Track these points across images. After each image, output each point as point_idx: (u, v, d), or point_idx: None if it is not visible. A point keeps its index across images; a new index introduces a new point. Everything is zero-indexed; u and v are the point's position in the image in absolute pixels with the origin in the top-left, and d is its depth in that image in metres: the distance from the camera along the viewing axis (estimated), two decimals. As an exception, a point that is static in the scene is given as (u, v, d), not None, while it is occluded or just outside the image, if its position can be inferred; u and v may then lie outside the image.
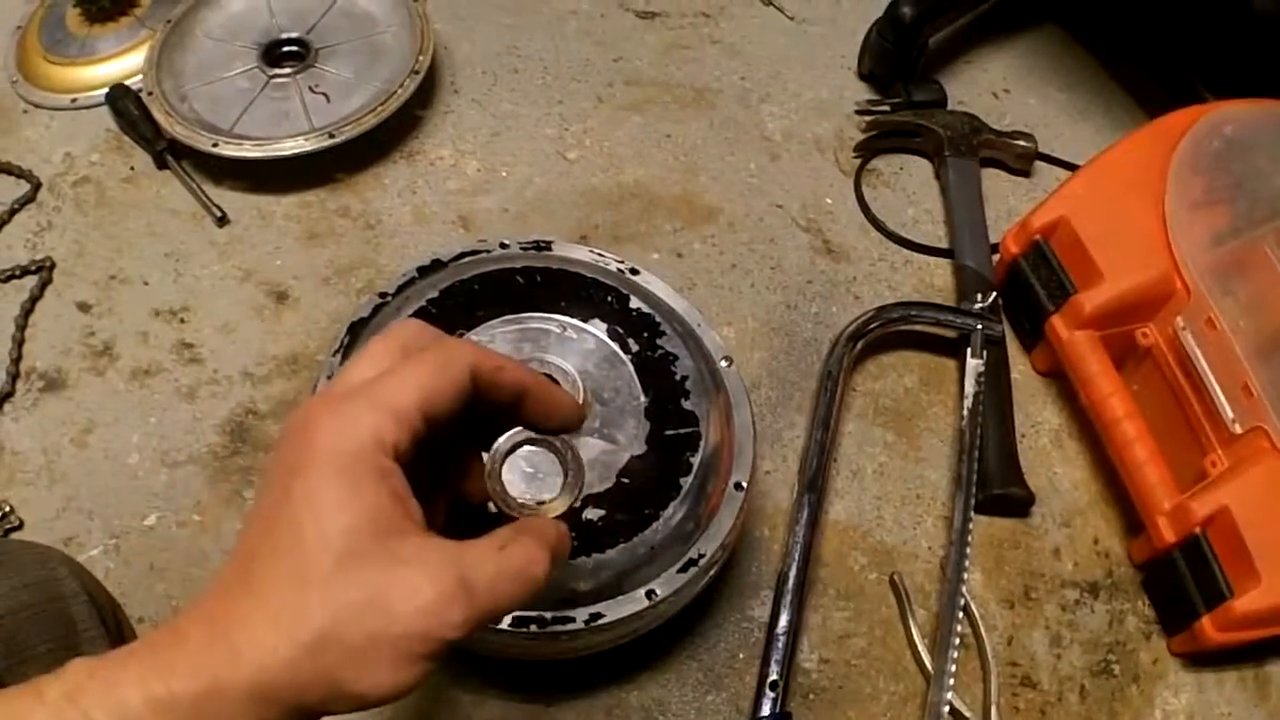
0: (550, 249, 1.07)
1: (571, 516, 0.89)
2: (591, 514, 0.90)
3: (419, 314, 0.98)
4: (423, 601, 0.50)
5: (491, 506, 0.69)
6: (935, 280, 1.33)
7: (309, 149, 1.28)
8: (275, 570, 0.50)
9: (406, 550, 0.51)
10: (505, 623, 0.85)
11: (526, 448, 0.70)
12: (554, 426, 0.65)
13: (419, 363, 0.56)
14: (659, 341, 1.00)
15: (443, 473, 0.64)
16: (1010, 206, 1.42)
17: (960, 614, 1.04)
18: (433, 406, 0.55)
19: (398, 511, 0.52)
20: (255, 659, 0.48)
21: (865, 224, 1.38)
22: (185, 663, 0.48)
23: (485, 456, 0.66)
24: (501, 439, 0.66)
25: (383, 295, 1.02)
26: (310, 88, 1.36)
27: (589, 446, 0.93)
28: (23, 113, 1.42)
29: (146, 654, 0.49)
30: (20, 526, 1.06)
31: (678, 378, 0.99)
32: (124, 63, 1.43)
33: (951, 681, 1.01)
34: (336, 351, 0.97)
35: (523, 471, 0.84)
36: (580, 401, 0.93)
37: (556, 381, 0.94)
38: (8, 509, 1.06)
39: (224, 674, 0.48)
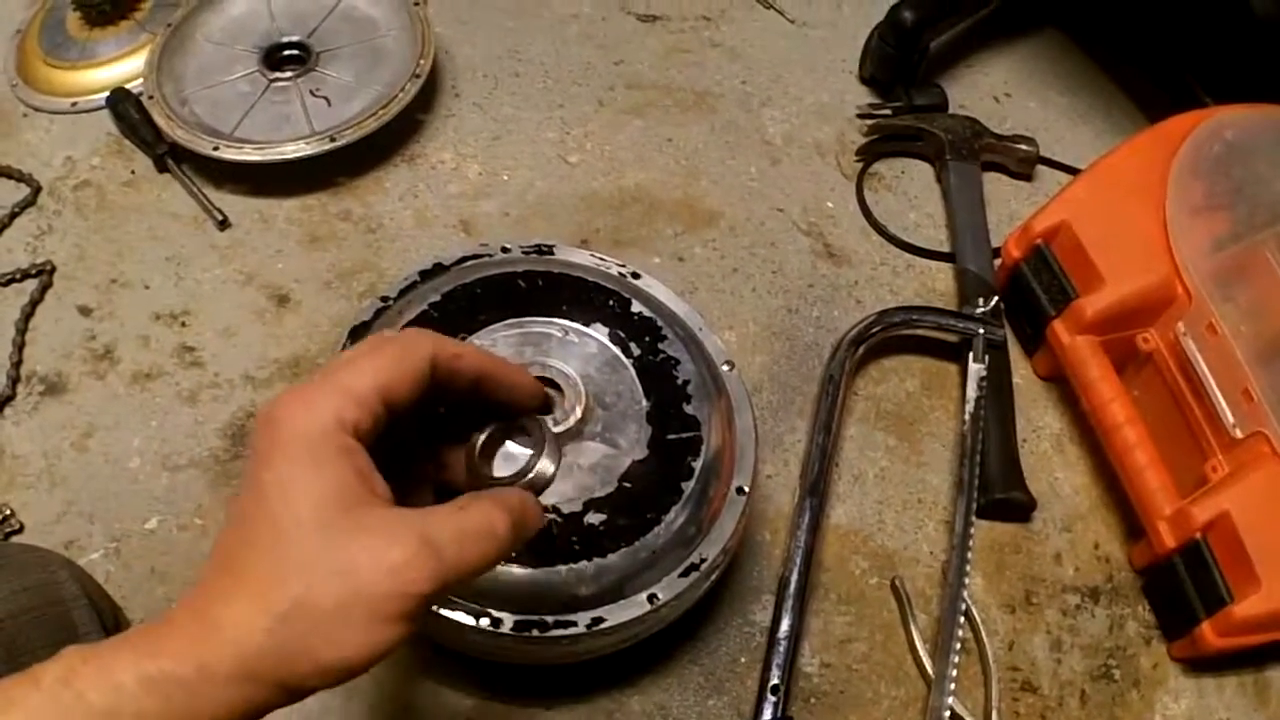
0: (552, 253, 1.07)
1: (574, 520, 0.89)
2: (593, 518, 0.89)
3: (421, 318, 0.98)
4: (389, 562, 0.52)
5: None
6: (937, 284, 1.33)
7: (310, 153, 1.28)
8: (253, 553, 0.53)
9: (371, 519, 0.53)
10: (507, 626, 0.85)
11: (512, 445, 0.70)
12: (516, 406, 0.67)
13: (378, 352, 0.59)
14: (660, 346, 1.00)
15: (423, 466, 0.67)
16: (1012, 210, 1.42)
17: (961, 619, 1.04)
18: (391, 392, 0.57)
19: (363, 487, 0.54)
20: (236, 635, 0.50)
21: (867, 228, 1.38)
22: (174, 645, 0.50)
23: (473, 445, 0.67)
24: (481, 432, 0.67)
25: (384, 299, 1.02)
26: (311, 91, 1.36)
27: (590, 451, 0.93)
28: (23, 116, 1.42)
29: (138, 640, 0.51)
30: (21, 530, 1.06)
31: (679, 382, 0.98)
32: (124, 66, 1.43)
33: (952, 686, 1.00)
34: (338, 356, 0.97)
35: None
36: (583, 401, 0.93)
37: (558, 386, 0.94)
38: (8, 512, 1.06)
39: (210, 653, 0.50)
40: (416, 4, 1.43)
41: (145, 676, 0.49)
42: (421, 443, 0.66)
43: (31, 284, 1.24)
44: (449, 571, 0.54)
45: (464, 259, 1.05)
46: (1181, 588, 1.05)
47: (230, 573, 0.53)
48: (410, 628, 0.53)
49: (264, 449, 0.54)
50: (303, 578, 0.51)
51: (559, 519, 0.89)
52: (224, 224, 1.30)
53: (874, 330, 1.21)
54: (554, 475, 0.67)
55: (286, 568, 0.52)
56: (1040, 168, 1.46)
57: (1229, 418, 1.07)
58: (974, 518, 1.11)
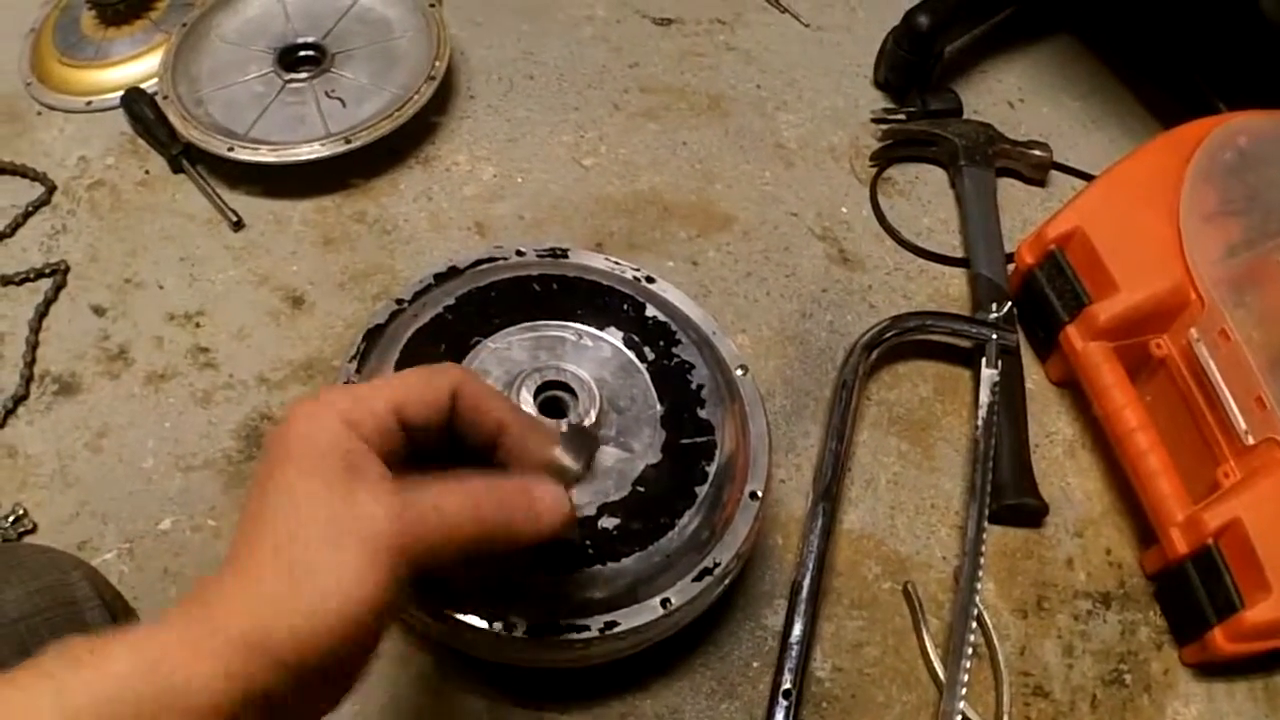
0: (566, 256, 1.08)
1: (588, 524, 0.89)
2: (607, 522, 0.90)
3: (435, 321, 0.98)
4: (371, 511, 0.55)
5: None
6: (950, 290, 1.33)
7: (325, 154, 1.28)
8: (256, 558, 0.55)
9: (361, 484, 0.56)
10: (520, 630, 0.85)
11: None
12: (525, 468, 0.67)
13: (404, 374, 0.62)
14: (674, 350, 1.00)
15: None
16: (1025, 216, 1.41)
17: (973, 624, 1.04)
18: (406, 411, 0.60)
19: (363, 462, 0.57)
20: (225, 609, 0.53)
21: (880, 233, 1.38)
22: (167, 633, 0.52)
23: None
24: None
25: (399, 301, 1.02)
26: (326, 93, 1.37)
27: (604, 455, 0.93)
28: (37, 115, 1.43)
29: (135, 630, 0.52)
30: (34, 530, 1.06)
31: (693, 386, 0.99)
32: (139, 66, 1.44)
33: (964, 691, 1.00)
34: (353, 358, 0.97)
35: None
36: (597, 405, 0.93)
37: (572, 390, 0.94)
38: (21, 512, 1.06)
39: (200, 628, 0.52)
40: (432, 6, 1.43)
41: (141, 658, 0.49)
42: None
43: (45, 283, 1.24)
44: (429, 523, 0.57)
45: (478, 262, 1.06)
46: (1193, 593, 1.05)
47: (234, 574, 0.55)
48: (394, 580, 0.55)
49: (274, 456, 0.57)
50: (289, 530, 0.54)
51: (573, 523, 0.89)
52: (238, 225, 1.30)
53: (887, 335, 1.21)
54: (578, 472, 0.67)
55: (285, 568, 0.54)
56: (1054, 173, 1.46)
57: (1241, 424, 1.07)
58: (986, 523, 1.11)
